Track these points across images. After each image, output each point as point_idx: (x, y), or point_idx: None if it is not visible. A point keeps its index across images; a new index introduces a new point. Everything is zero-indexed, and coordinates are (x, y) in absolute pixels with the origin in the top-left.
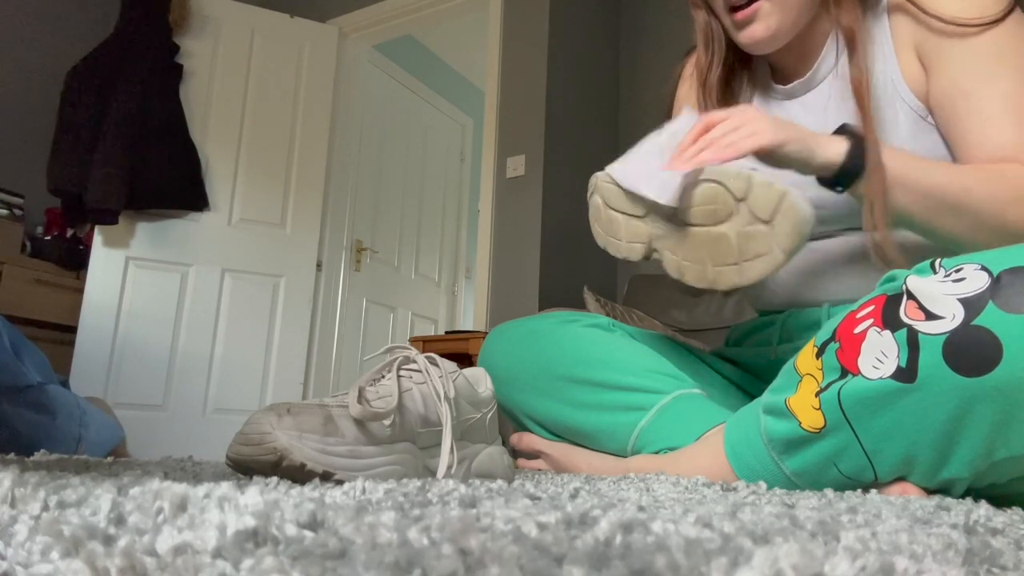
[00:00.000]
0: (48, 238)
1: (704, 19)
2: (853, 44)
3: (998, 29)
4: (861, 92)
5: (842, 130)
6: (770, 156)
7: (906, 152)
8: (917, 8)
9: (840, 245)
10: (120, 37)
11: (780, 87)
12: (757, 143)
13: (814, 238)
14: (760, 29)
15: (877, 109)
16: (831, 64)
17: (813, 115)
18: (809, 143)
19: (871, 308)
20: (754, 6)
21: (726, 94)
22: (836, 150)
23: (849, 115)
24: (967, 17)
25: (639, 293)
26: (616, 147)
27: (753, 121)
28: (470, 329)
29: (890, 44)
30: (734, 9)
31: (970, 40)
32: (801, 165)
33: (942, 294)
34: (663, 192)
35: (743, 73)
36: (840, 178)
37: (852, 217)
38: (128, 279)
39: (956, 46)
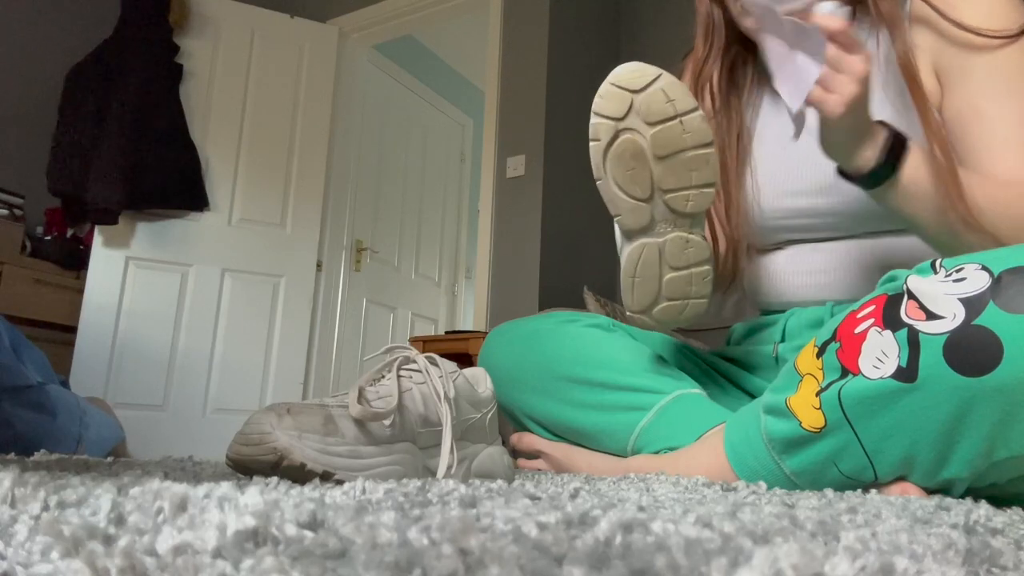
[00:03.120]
0: (48, 238)
1: (706, 8)
2: (895, 26)
3: (1017, 45)
4: (910, 69)
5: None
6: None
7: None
8: (939, 15)
9: (845, 246)
10: (120, 37)
11: None
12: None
13: (818, 239)
14: None
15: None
16: None
17: None
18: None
19: (872, 308)
20: None
21: (730, 87)
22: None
23: (886, 103)
24: (989, 29)
25: None
26: None
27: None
28: (470, 329)
29: None
30: None
31: (988, 55)
32: (852, 134)
33: (943, 294)
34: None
35: (746, 67)
36: (876, 171)
37: (860, 222)
38: (128, 279)
39: (975, 61)
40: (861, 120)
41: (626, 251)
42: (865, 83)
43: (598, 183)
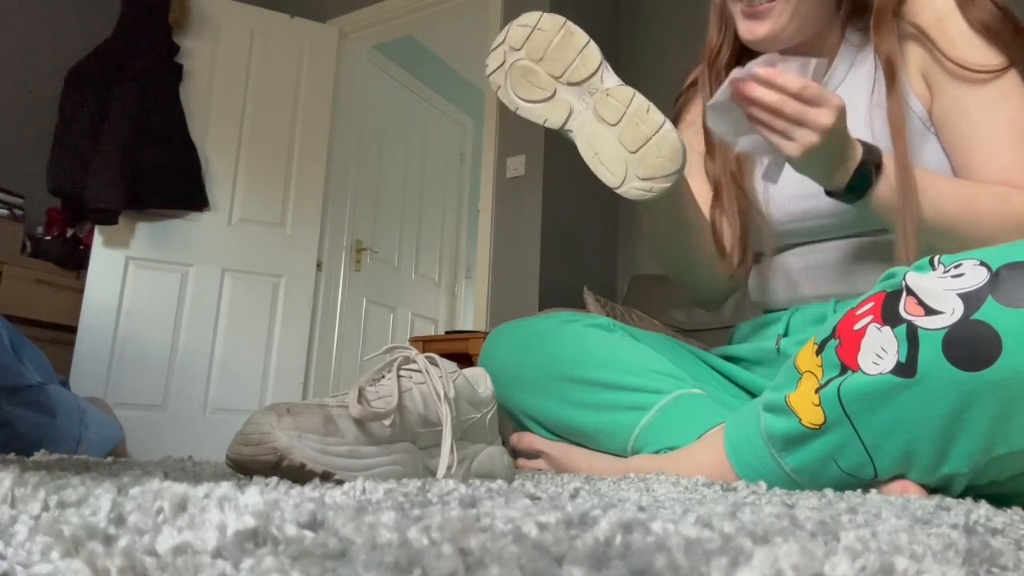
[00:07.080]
0: (48, 238)
1: (719, 1)
2: (892, 74)
3: (1003, 79)
4: (898, 124)
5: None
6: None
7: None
8: (931, 44)
9: (846, 245)
10: (120, 37)
11: None
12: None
13: (819, 240)
14: (764, 28)
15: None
16: (842, 75)
17: None
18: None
19: (871, 305)
20: (771, 4)
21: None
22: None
23: (856, 117)
24: (974, 63)
25: (639, 293)
26: None
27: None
28: (470, 329)
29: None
30: (750, 3)
31: (978, 87)
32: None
33: (941, 289)
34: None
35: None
36: (852, 189)
37: (857, 223)
38: (128, 279)
39: (965, 91)
40: (829, 156)
41: (578, 142)
42: (826, 133)
43: (522, 113)
